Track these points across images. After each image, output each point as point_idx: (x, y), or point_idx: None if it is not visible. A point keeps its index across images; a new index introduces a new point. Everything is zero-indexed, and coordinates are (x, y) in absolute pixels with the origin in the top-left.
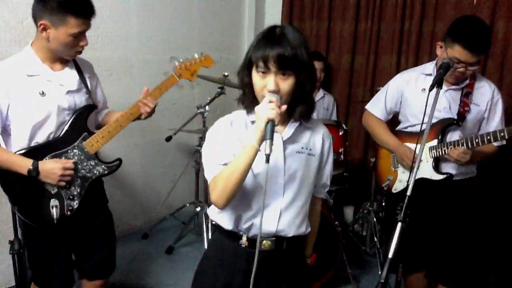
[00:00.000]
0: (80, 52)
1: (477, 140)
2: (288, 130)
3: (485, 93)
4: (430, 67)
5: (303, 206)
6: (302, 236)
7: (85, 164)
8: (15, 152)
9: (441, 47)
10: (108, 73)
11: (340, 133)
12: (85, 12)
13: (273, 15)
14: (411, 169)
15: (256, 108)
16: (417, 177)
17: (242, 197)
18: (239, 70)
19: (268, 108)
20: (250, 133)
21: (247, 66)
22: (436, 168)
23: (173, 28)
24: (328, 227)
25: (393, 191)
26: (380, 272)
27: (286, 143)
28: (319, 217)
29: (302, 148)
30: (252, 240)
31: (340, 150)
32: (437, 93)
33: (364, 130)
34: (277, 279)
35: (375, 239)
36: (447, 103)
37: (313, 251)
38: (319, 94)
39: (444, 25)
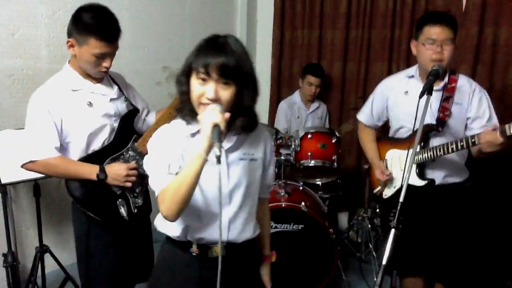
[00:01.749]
0: (105, 73)
1: (452, 146)
2: (229, 140)
3: (465, 90)
4: (413, 69)
5: (250, 211)
6: (252, 239)
7: (141, 163)
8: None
9: (415, 45)
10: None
11: (333, 141)
12: (107, 36)
13: (265, 25)
14: (403, 175)
15: (200, 116)
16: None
17: (190, 208)
18: (177, 78)
19: (213, 113)
20: (192, 144)
21: (186, 73)
22: (420, 174)
23: (165, 38)
24: (323, 234)
25: (384, 197)
26: (375, 279)
27: (227, 151)
28: (269, 214)
29: (244, 154)
30: (202, 247)
31: (333, 158)
32: (428, 101)
33: (357, 137)
34: (231, 285)
35: (370, 246)
36: (428, 105)
37: (308, 258)
38: (313, 105)
39: None
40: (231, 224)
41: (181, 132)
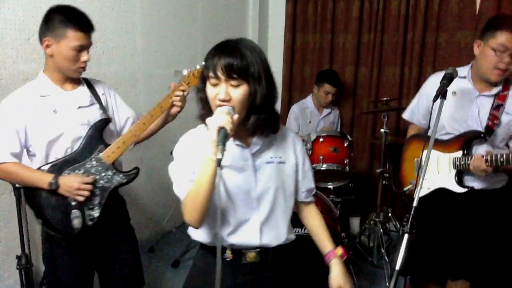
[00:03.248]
0: (84, 69)
1: (502, 160)
2: (255, 144)
3: None
4: (465, 70)
5: (283, 215)
6: (287, 244)
7: (103, 174)
8: (37, 169)
9: (479, 45)
10: (113, 88)
11: (345, 144)
12: (83, 26)
13: (276, 29)
14: (417, 179)
15: (207, 120)
16: (438, 187)
17: (216, 214)
18: (196, 89)
19: (219, 116)
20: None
21: (202, 80)
22: (459, 180)
23: (177, 43)
24: (335, 238)
25: (415, 196)
26: (387, 284)
27: (254, 156)
28: (319, 214)
29: (272, 157)
30: (236, 252)
31: (345, 161)
32: (441, 104)
33: (369, 141)
34: None
35: (382, 250)
36: (476, 110)
37: (320, 263)
38: (326, 110)
39: (446, 35)
40: (263, 228)
41: (205, 138)
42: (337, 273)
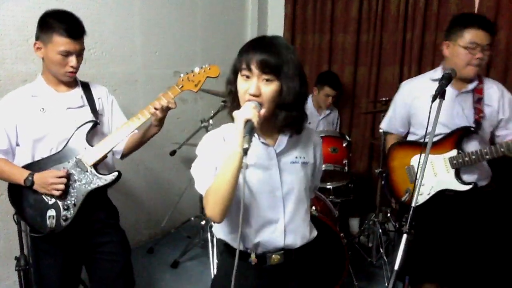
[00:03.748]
0: (73, 73)
1: (502, 149)
2: (280, 143)
3: (494, 92)
4: (437, 72)
5: (305, 214)
6: (308, 244)
7: (82, 176)
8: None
9: (447, 46)
10: (112, 88)
11: (344, 145)
12: (70, 31)
13: (276, 29)
14: (415, 181)
15: (234, 112)
16: (439, 189)
17: (244, 214)
18: (226, 81)
19: (246, 109)
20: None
21: (233, 73)
22: (459, 179)
23: (177, 43)
24: (334, 239)
25: (414, 196)
26: (386, 284)
27: (279, 155)
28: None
29: (296, 157)
30: (261, 257)
31: (344, 162)
32: (440, 104)
33: (369, 141)
34: None
35: (381, 251)
36: (460, 108)
37: (319, 263)
38: (325, 111)
39: None
40: (287, 228)
41: (228, 136)
42: None
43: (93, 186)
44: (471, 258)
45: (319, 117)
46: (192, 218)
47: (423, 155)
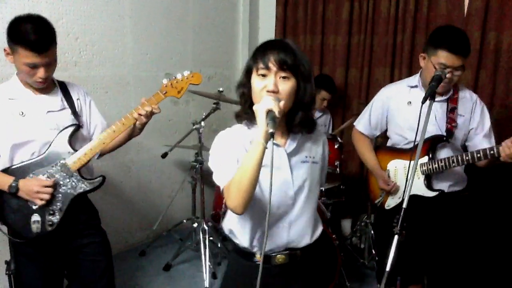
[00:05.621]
0: (42, 83)
1: (467, 158)
2: (291, 143)
3: (467, 101)
4: (414, 79)
5: (312, 213)
6: (315, 243)
7: (67, 181)
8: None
9: (424, 58)
10: (103, 91)
11: (336, 146)
12: (34, 46)
13: (267, 30)
14: (405, 185)
15: (254, 106)
16: (410, 194)
17: (252, 212)
18: (238, 84)
19: (267, 100)
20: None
21: (246, 74)
22: (428, 185)
23: (168, 45)
24: (326, 240)
25: (386, 207)
26: (378, 285)
27: (290, 155)
28: None
29: (306, 157)
30: (266, 256)
31: (336, 163)
32: (430, 106)
33: None
34: None
35: (373, 252)
36: (432, 115)
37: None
38: (318, 113)
39: None
40: (291, 227)
41: (242, 136)
42: None
43: (78, 190)
44: (449, 260)
45: None
46: (184, 221)
47: (399, 160)
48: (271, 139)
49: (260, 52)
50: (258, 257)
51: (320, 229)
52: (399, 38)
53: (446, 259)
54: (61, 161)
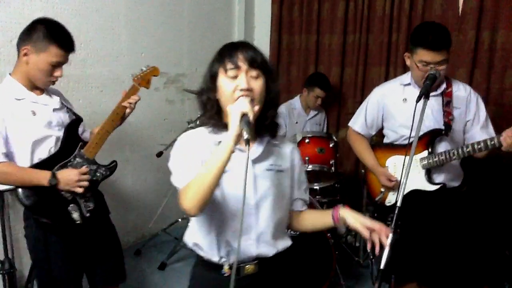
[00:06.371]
0: (54, 83)
1: (468, 150)
2: (256, 149)
3: (461, 94)
4: (407, 77)
5: (280, 223)
6: (284, 252)
7: (89, 169)
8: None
9: (408, 57)
10: (98, 89)
11: (331, 145)
12: (67, 45)
13: (262, 30)
14: (400, 181)
15: (228, 106)
16: (410, 189)
17: (214, 221)
18: (200, 91)
19: (242, 103)
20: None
21: (211, 79)
22: (429, 179)
23: (163, 44)
24: (321, 239)
25: (387, 203)
26: (373, 284)
27: (254, 162)
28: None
29: (271, 165)
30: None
31: (331, 162)
32: (424, 104)
33: None
34: None
35: (368, 250)
36: (429, 110)
37: (306, 263)
38: (313, 112)
39: None
40: (260, 237)
41: (205, 140)
42: (353, 216)
43: (100, 176)
44: (447, 257)
45: (306, 117)
46: (180, 220)
47: (398, 156)
48: (247, 145)
49: (226, 53)
50: (226, 269)
51: (289, 241)
52: (394, 37)
53: (443, 255)
54: (78, 153)
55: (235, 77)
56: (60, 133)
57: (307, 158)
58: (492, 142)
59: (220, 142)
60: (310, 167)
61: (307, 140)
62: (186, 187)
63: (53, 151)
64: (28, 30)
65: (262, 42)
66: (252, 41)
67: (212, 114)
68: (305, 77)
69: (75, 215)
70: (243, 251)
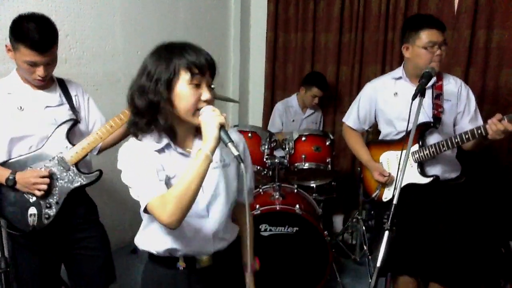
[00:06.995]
0: (42, 81)
1: (456, 140)
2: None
3: (452, 87)
4: (398, 71)
5: (228, 217)
6: (235, 241)
7: (64, 174)
8: None
9: (407, 48)
10: (94, 88)
11: (327, 143)
12: (36, 45)
13: (258, 28)
14: (396, 177)
15: (202, 117)
16: (404, 183)
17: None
18: (141, 88)
19: (216, 114)
20: (166, 158)
21: (168, 85)
22: (422, 172)
23: (159, 42)
24: (317, 237)
25: (384, 199)
26: (370, 281)
27: None
28: (252, 221)
29: (216, 162)
30: (189, 260)
31: (327, 160)
32: (420, 102)
33: None
34: None
35: (365, 248)
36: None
37: (303, 261)
38: (309, 110)
39: None
40: (215, 235)
41: (148, 148)
42: (252, 284)
43: (75, 184)
44: (441, 250)
45: (303, 115)
46: None
47: (391, 152)
48: (241, 162)
49: (191, 55)
50: (181, 262)
51: (236, 230)
52: (390, 35)
53: (437, 249)
54: (59, 155)
55: (198, 85)
56: (49, 132)
57: (303, 156)
58: (479, 131)
59: (163, 148)
60: (306, 165)
61: (303, 138)
62: (162, 202)
63: (33, 149)
64: (11, 25)
65: (258, 40)
66: (248, 39)
67: (150, 120)
68: (301, 75)
69: (30, 219)
70: (201, 251)
